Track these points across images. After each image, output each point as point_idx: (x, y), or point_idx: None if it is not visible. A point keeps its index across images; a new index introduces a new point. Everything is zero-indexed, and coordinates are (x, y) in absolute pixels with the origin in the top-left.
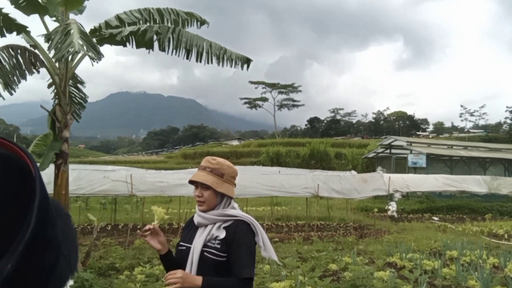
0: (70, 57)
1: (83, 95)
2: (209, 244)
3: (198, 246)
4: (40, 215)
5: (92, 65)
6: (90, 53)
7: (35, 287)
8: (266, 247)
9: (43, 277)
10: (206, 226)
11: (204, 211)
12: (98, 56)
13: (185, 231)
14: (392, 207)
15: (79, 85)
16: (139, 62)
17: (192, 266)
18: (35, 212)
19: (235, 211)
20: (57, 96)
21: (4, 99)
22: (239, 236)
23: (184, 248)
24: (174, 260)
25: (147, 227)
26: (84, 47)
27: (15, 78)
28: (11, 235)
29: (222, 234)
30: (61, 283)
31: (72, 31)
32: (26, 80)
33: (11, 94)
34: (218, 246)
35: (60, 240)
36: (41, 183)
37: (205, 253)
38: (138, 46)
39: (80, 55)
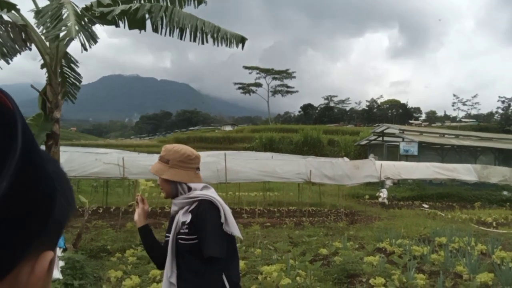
0: (63, 39)
1: (77, 76)
2: (180, 231)
3: (172, 235)
4: (25, 140)
5: (86, 50)
6: (85, 39)
7: (35, 217)
8: (228, 222)
9: (42, 206)
10: (177, 213)
11: (168, 198)
12: (93, 40)
13: (170, 222)
14: (383, 194)
15: (72, 65)
16: (132, 44)
17: (168, 255)
18: (20, 135)
19: (198, 192)
20: (48, 76)
21: (1, 68)
22: (201, 215)
23: (168, 239)
24: (150, 237)
25: (136, 197)
26: (80, 33)
27: (10, 48)
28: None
29: (188, 218)
30: (64, 218)
31: (67, 13)
32: (20, 53)
33: (8, 63)
34: (187, 231)
35: (52, 175)
36: (22, 116)
37: (179, 241)
38: (130, 26)
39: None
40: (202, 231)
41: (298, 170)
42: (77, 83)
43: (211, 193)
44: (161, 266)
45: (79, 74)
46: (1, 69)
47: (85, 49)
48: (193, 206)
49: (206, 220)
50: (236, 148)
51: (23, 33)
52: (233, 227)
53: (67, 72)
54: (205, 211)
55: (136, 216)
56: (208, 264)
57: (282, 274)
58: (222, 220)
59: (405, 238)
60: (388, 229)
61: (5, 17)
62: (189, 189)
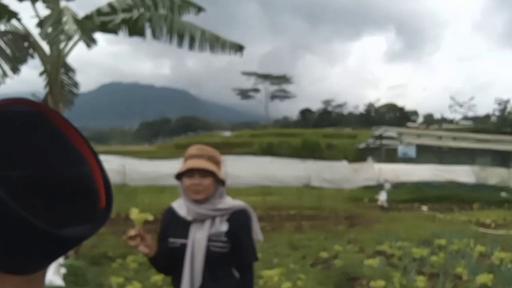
0: (63, 44)
1: (74, 83)
2: (213, 238)
3: (201, 242)
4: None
5: (88, 49)
6: (85, 38)
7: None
8: (257, 229)
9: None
10: (203, 220)
11: (200, 200)
12: (92, 41)
13: (171, 225)
14: (382, 197)
15: (70, 73)
16: (130, 51)
17: (196, 262)
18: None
19: (231, 201)
20: (49, 85)
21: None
22: (243, 226)
23: (178, 245)
24: (164, 259)
25: (132, 232)
26: (79, 32)
27: (19, 59)
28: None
29: (225, 227)
30: None
31: (65, 17)
32: (26, 62)
33: (16, 74)
34: (224, 239)
35: None
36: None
37: (211, 248)
38: (130, 34)
39: (72, 42)
40: (244, 240)
41: (297, 174)
42: (74, 91)
43: (241, 202)
44: (168, 272)
45: (76, 82)
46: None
47: (88, 46)
48: (229, 215)
49: (249, 230)
50: (235, 153)
51: (27, 42)
52: (259, 232)
53: (65, 80)
54: (245, 221)
55: (146, 250)
56: (247, 269)
57: (282, 278)
58: (255, 227)
59: (404, 241)
60: (387, 231)
61: (8, 27)
62: (221, 194)
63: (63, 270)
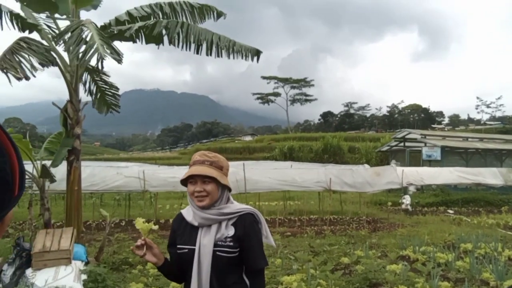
0: (81, 54)
1: (113, 86)
2: (219, 243)
3: (208, 247)
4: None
5: (120, 63)
6: (114, 57)
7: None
8: (267, 234)
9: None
10: (209, 225)
11: (204, 207)
12: (120, 57)
13: (178, 231)
14: (406, 200)
15: (104, 77)
16: (151, 59)
17: (202, 267)
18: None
19: (238, 205)
20: (68, 94)
21: (35, 76)
22: (249, 230)
23: (186, 250)
24: (172, 266)
25: (138, 242)
26: (108, 51)
27: (37, 63)
28: None
29: (232, 231)
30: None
31: (90, 34)
32: (48, 67)
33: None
34: (231, 244)
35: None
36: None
37: (217, 253)
38: (147, 42)
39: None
40: (251, 245)
41: (317, 178)
42: (117, 93)
43: (248, 206)
44: (180, 280)
45: (115, 86)
46: (34, 76)
47: (119, 62)
48: (234, 220)
49: (256, 234)
50: (256, 157)
51: (46, 51)
52: (270, 238)
53: (102, 86)
54: (252, 225)
55: (154, 259)
56: (258, 275)
57: (302, 284)
58: (264, 232)
59: (429, 245)
60: (411, 236)
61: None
62: (228, 198)
63: (83, 277)
